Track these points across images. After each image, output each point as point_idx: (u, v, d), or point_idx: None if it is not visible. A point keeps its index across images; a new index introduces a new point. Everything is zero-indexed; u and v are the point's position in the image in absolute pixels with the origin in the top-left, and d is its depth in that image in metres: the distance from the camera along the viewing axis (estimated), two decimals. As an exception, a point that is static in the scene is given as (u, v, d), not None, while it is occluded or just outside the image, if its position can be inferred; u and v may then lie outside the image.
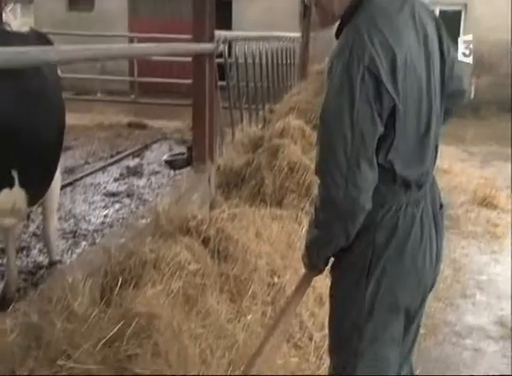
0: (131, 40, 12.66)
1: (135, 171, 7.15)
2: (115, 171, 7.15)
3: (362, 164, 1.48)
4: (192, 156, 3.89)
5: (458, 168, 6.92)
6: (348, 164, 1.47)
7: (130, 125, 10.14)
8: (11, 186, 2.77)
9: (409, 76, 1.51)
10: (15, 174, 2.77)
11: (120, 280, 2.25)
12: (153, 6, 14.01)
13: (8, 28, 3.40)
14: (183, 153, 4.27)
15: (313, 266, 1.75)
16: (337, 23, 1.64)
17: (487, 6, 11.94)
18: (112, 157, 7.92)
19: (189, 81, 10.95)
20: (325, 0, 1.60)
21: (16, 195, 2.83)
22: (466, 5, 12.29)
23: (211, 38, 3.93)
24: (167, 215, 2.83)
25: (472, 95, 12.47)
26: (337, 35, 1.60)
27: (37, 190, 3.10)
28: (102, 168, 7.22)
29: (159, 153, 8.11)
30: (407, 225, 1.61)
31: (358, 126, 1.46)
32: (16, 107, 2.69)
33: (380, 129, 1.49)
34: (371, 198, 1.52)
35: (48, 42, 3.31)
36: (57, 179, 3.49)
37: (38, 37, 3.26)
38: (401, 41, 1.50)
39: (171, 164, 4.64)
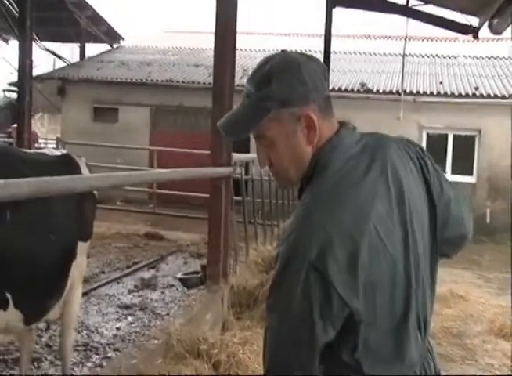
0: (151, 152, 13.24)
1: (149, 284, 7.14)
2: (130, 282, 7.18)
3: (296, 370, 1.26)
4: (206, 275, 3.94)
5: (474, 294, 6.83)
6: (280, 368, 1.28)
7: (147, 236, 10.29)
8: (4, 307, 2.79)
9: (377, 258, 1.26)
10: (9, 295, 2.79)
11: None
12: (173, 120, 14.74)
13: (42, 154, 3.58)
14: (197, 272, 4.33)
15: None
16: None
17: (500, 132, 12.37)
18: (128, 267, 7.95)
19: (205, 195, 11.40)
20: (282, 168, 1.44)
21: (10, 316, 2.84)
22: (480, 131, 12.75)
23: (229, 162, 4.15)
24: (178, 336, 2.84)
25: (488, 220, 12.62)
26: (300, 196, 1.44)
27: (34, 311, 3.10)
28: (118, 279, 7.26)
29: (174, 266, 8.18)
30: None
31: (294, 332, 1.25)
32: (10, 230, 2.76)
33: (329, 337, 1.25)
34: None
35: (77, 167, 3.48)
36: (77, 298, 3.53)
37: (68, 163, 3.44)
38: (366, 218, 1.27)
39: (185, 282, 4.68)
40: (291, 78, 1.35)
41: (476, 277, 8.36)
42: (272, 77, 1.35)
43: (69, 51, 19.77)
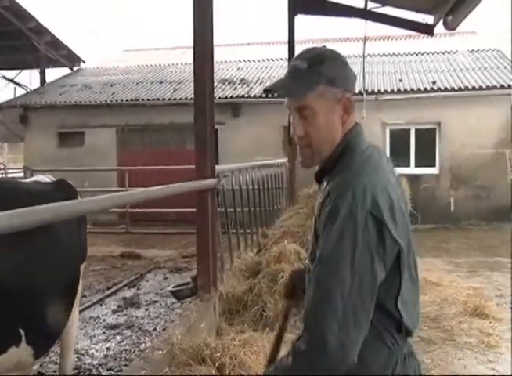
0: (121, 172, 13.29)
1: (133, 302, 7.22)
2: (112, 303, 7.25)
3: (359, 314, 1.40)
4: (197, 286, 4.11)
5: (446, 279, 7.16)
6: (344, 312, 1.38)
7: (123, 256, 10.31)
8: (17, 344, 2.78)
9: (400, 218, 1.50)
10: (22, 332, 2.79)
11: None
12: (140, 138, 14.79)
13: (38, 182, 3.61)
14: (188, 283, 4.49)
15: None
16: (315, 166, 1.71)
17: (459, 123, 12.88)
18: (108, 289, 8.00)
19: (177, 210, 11.47)
20: (317, 141, 1.61)
21: (22, 352, 2.84)
22: (440, 124, 13.21)
23: (213, 174, 4.33)
24: (180, 345, 3.01)
25: (452, 208, 13.11)
26: (318, 180, 1.68)
27: (44, 345, 3.11)
28: (100, 301, 7.32)
29: (154, 283, 8.30)
30: None
31: (358, 275, 1.40)
32: (21, 268, 2.75)
33: (381, 276, 1.45)
34: (373, 349, 1.48)
35: (74, 190, 3.56)
36: (75, 319, 3.58)
37: (65, 188, 3.52)
38: (391, 185, 1.53)
39: (176, 294, 4.84)
40: (340, 65, 1.63)
41: (446, 263, 8.72)
42: (325, 58, 1.61)
43: (27, 77, 19.65)
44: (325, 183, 1.64)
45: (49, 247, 3.01)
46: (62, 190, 3.47)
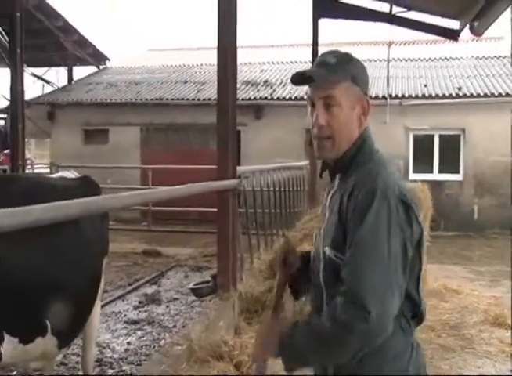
0: (145, 170, 13.44)
1: (154, 299, 7.33)
2: (134, 299, 7.36)
3: (395, 291, 1.50)
4: (217, 284, 4.16)
5: (467, 288, 7.11)
6: (384, 287, 1.48)
7: (145, 253, 10.47)
8: (44, 334, 2.89)
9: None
10: (48, 322, 2.89)
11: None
12: (164, 138, 14.94)
13: (62, 177, 3.72)
14: (208, 281, 4.55)
15: (289, 368, 1.63)
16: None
17: (484, 131, 12.76)
18: (130, 285, 8.12)
19: (198, 209, 11.57)
20: (338, 133, 1.67)
21: (47, 342, 2.94)
22: (464, 130, 13.10)
23: (234, 175, 4.38)
24: (199, 341, 3.05)
25: (476, 216, 12.97)
26: (332, 175, 1.75)
27: (68, 336, 3.21)
28: (122, 297, 7.43)
29: (175, 280, 8.38)
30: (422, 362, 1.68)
31: (394, 253, 1.50)
32: (49, 261, 2.87)
33: (410, 257, 1.56)
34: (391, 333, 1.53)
35: (97, 186, 3.67)
36: (97, 312, 3.68)
37: (89, 184, 3.64)
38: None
39: (196, 292, 4.91)
40: (362, 68, 1.75)
41: (467, 271, 8.65)
42: (352, 58, 1.72)
43: (54, 75, 19.96)
44: (337, 179, 1.72)
45: (74, 241, 3.11)
46: (86, 186, 3.58)
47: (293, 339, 1.56)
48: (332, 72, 1.65)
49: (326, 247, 1.64)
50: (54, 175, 4.02)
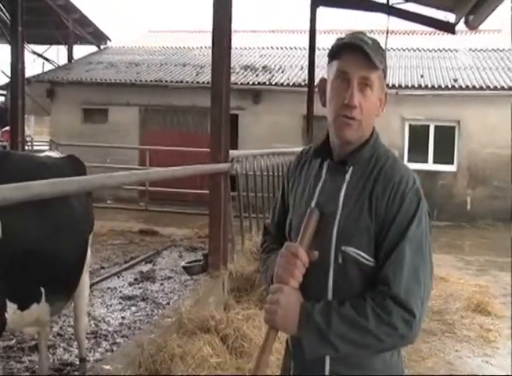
0: (143, 151, 13.57)
1: (149, 277, 7.51)
2: (129, 276, 7.54)
3: (429, 292, 1.52)
4: (208, 263, 4.32)
5: (455, 276, 7.30)
6: (424, 288, 1.49)
7: (141, 232, 10.63)
8: (38, 301, 3.10)
9: None
10: (42, 290, 3.11)
11: (153, 370, 2.62)
12: (162, 119, 15.00)
13: (50, 156, 3.87)
14: (199, 260, 4.71)
15: (311, 350, 1.51)
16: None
17: (479, 123, 12.89)
18: (126, 262, 8.30)
19: (194, 191, 11.71)
20: (367, 117, 1.57)
21: (41, 309, 3.15)
22: (459, 122, 13.23)
23: (226, 158, 4.52)
24: (188, 315, 3.22)
25: (469, 207, 13.16)
26: (345, 161, 1.61)
27: (59, 303, 3.44)
28: (117, 273, 7.61)
29: (169, 260, 8.56)
30: None
31: (430, 254, 1.53)
32: (46, 234, 3.08)
33: None
34: None
35: (82, 167, 3.80)
36: (86, 284, 3.89)
37: (75, 162, 3.78)
38: None
39: (189, 270, 5.08)
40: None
41: (457, 260, 8.84)
42: (382, 47, 1.61)
43: (55, 53, 19.98)
44: (351, 166, 1.60)
45: (65, 216, 3.30)
46: (72, 164, 3.73)
47: (330, 324, 1.46)
48: (375, 53, 1.54)
49: (349, 247, 1.52)
50: (41, 154, 4.18)
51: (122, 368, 2.51)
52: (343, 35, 1.67)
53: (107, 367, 2.50)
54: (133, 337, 3.67)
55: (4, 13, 12.32)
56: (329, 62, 1.64)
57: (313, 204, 1.62)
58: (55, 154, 3.98)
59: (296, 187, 1.73)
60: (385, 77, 1.61)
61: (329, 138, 1.67)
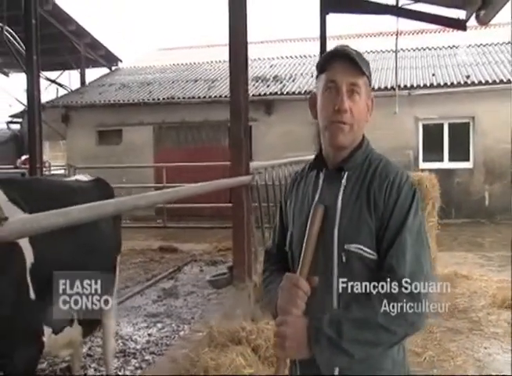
0: (159, 169, 13.71)
1: (171, 293, 7.58)
2: (152, 293, 7.61)
3: (428, 267, 1.57)
4: (233, 275, 4.39)
5: (477, 273, 7.27)
6: (427, 275, 1.54)
7: (161, 249, 10.72)
8: (71, 323, 3.16)
9: None
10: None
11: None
12: (175, 136, 15.17)
13: (78, 180, 3.95)
14: (224, 273, 4.77)
15: (330, 366, 1.54)
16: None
17: (493, 118, 12.80)
18: (148, 280, 8.36)
19: (211, 205, 11.77)
20: (357, 121, 1.65)
21: (74, 331, 3.21)
22: (473, 118, 13.18)
23: (247, 171, 4.59)
24: (218, 328, 3.29)
25: (487, 203, 13.07)
26: (340, 168, 1.67)
27: (91, 326, 3.50)
28: (140, 291, 7.69)
29: (191, 275, 8.64)
30: None
31: (427, 242, 1.61)
32: (76, 257, 3.09)
33: None
34: None
35: (110, 189, 3.89)
36: (115, 305, 4.00)
37: (101, 186, 3.87)
38: None
39: (214, 283, 5.14)
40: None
41: (478, 258, 8.79)
42: (365, 59, 1.69)
43: (67, 78, 20.30)
44: (346, 171, 1.66)
45: (94, 239, 3.37)
46: (99, 188, 3.82)
47: (341, 332, 1.47)
48: (361, 61, 1.63)
49: (352, 244, 1.58)
50: (69, 178, 4.26)
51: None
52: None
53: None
54: (166, 352, 3.73)
55: (18, 42, 12.59)
56: (317, 76, 1.73)
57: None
58: (83, 178, 4.05)
59: (294, 203, 1.80)
60: (370, 84, 1.70)
61: (321, 150, 1.75)
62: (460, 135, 13.46)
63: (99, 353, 5.22)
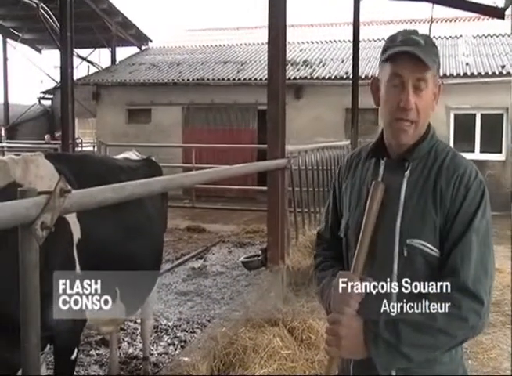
0: (188, 149, 13.78)
1: (201, 272, 7.67)
2: (182, 272, 7.70)
3: (491, 268, 1.54)
4: (267, 258, 4.42)
5: (509, 266, 7.17)
6: (491, 279, 1.52)
7: (189, 229, 10.81)
8: (113, 300, 3.26)
9: None
10: (118, 290, 3.10)
11: (227, 362, 2.73)
12: (204, 117, 15.18)
13: (128, 159, 3.94)
14: (258, 255, 4.81)
15: (387, 368, 1.50)
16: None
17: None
18: (177, 259, 8.46)
19: (238, 187, 11.81)
20: (423, 117, 1.59)
21: (116, 308, 3.15)
22: (507, 109, 12.94)
23: (283, 154, 4.60)
24: (254, 308, 3.32)
25: (517, 195, 12.87)
26: (403, 159, 1.61)
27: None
28: (171, 270, 7.79)
29: (219, 256, 8.71)
30: None
31: (492, 246, 1.57)
32: (125, 235, 3.16)
33: None
34: None
35: (159, 169, 3.90)
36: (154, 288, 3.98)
37: (150, 165, 3.88)
38: None
39: (247, 264, 5.18)
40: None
41: (509, 251, 8.65)
42: (435, 43, 1.63)
43: (97, 55, 20.43)
44: (410, 162, 1.61)
45: (142, 218, 3.38)
46: (149, 167, 3.84)
47: (400, 336, 1.44)
48: (428, 54, 1.55)
49: (415, 240, 1.54)
50: (118, 156, 4.26)
51: (199, 360, 2.62)
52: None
53: (186, 359, 2.61)
54: (206, 330, 3.78)
55: (53, 19, 12.70)
56: (381, 62, 1.64)
57: None
58: (133, 156, 4.03)
59: (351, 189, 1.73)
60: (438, 70, 1.63)
61: (383, 137, 1.68)
62: (493, 126, 13.22)
63: (131, 328, 5.33)
